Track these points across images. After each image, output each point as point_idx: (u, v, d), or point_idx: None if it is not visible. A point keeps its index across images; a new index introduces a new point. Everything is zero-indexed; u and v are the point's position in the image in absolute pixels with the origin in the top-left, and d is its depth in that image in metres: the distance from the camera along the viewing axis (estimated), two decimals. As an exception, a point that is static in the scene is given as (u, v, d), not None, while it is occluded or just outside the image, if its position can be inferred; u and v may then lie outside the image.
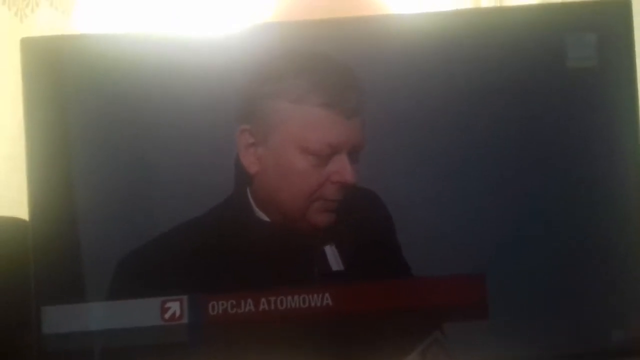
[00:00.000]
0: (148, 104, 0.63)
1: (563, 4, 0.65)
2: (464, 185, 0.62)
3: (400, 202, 0.62)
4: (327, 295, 0.62)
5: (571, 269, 0.63)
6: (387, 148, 0.62)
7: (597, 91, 0.63)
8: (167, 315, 0.62)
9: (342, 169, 0.61)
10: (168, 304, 0.62)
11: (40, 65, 0.62)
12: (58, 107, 0.63)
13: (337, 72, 0.62)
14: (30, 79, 0.62)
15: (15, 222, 0.68)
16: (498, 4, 0.89)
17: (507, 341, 0.62)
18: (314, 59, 0.62)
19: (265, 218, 0.63)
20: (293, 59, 0.62)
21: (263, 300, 0.61)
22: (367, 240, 0.63)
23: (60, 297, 0.62)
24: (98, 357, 0.62)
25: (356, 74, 0.62)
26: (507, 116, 0.63)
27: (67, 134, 0.63)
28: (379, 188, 0.62)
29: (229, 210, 0.62)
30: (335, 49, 0.62)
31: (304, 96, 0.61)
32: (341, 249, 0.62)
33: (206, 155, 0.62)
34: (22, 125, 0.62)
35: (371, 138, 0.62)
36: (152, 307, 0.61)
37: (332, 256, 0.62)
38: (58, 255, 0.62)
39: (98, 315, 0.62)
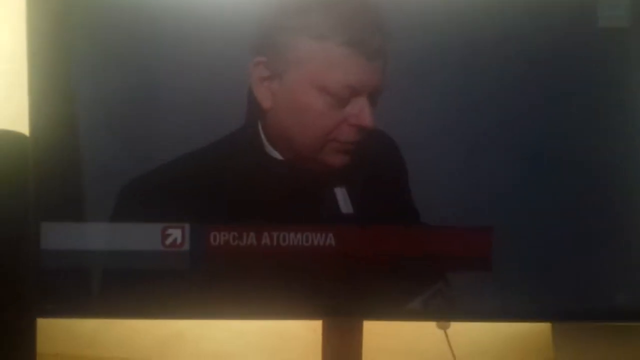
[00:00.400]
0: (159, 24, 0.61)
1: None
2: (480, 138, 0.62)
3: (416, 148, 0.61)
4: (330, 235, 0.62)
5: (578, 231, 0.63)
6: (407, 93, 0.61)
7: (629, 51, 0.62)
8: (167, 242, 0.62)
9: (361, 112, 0.60)
10: (169, 231, 0.62)
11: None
12: (63, 22, 0.61)
13: (364, 11, 0.60)
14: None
15: (15, 136, 0.67)
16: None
17: (511, 295, 0.64)
18: (340, -5, 0.60)
19: (277, 155, 0.63)
20: (318, -6, 0.60)
21: (265, 234, 0.62)
22: (379, 184, 0.63)
23: (60, 213, 0.62)
24: (95, 277, 0.63)
25: (382, 15, 0.60)
26: (534, 73, 0.62)
27: (71, 50, 0.61)
28: (395, 133, 0.61)
29: (239, 143, 0.61)
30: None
31: (327, 33, 0.59)
32: (352, 192, 0.62)
33: (217, 84, 0.61)
34: (22, 41, 0.60)
35: (392, 82, 0.61)
36: (153, 232, 0.62)
37: (342, 198, 0.62)
38: (60, 171, 0.62)
39: (98, 236, 0.62)
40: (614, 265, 0.64)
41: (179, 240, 0.62)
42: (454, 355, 0.79)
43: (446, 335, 0.78)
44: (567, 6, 0.62)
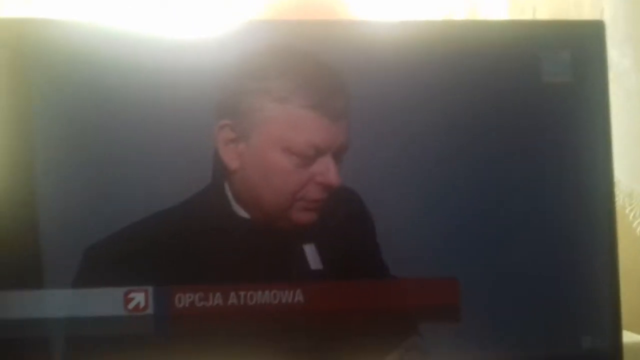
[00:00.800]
0: (123, 91, 0.62)
1: (539, 22, 0.69)
2: (443, 190, 0.65)
3: (381, 203, 0.63)
4: (299, 291, 0.62)
5: (543, 276, 0.65)
6: (370, 149, 0.64)
7: (571, 105, 0.66)
8: (130, 306, 0.60)
9: (327, 170, 0.62)
10: (132, 294, 0.60)
11: (6, 49, 0.60)
12: (25, 92, 0.61)
13: (325, 73, 0.63)
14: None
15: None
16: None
17: (480, 343, 0.65)
18: (301, 58, 0.63)
19: (244, 214, 0.63)
20: (280, 57, 0.62)
21: (232, 294, 0.61)
22: (347, 240, 0.64)
23: (16, 281, 0.60)
24: (56, 346, 0.60)
25: (343, 76, 0.63)
26: (484, 126, 0.66)
27: (31, 108, 0.61)
28: (361, 188, 0.63)
29: (205, 203, 0.62)
30: (323, 50, 0.63)
31: (290, 96, 0.61)
32: (321, 248, 0.63)
33: (182, 147, 0.62)
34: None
35: (355, 139, 0.63)
36: (115, 297, 0.60)
37: (312, 254, 0.63)
38: (15, 236, 0.60)
39: (57, 303, 0.60)
40: (581, 314, 0.66)
41: (142, 304, 0.61)
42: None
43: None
44: (512, 62, 0.66)
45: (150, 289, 0.61)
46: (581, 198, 0.66)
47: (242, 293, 0.61)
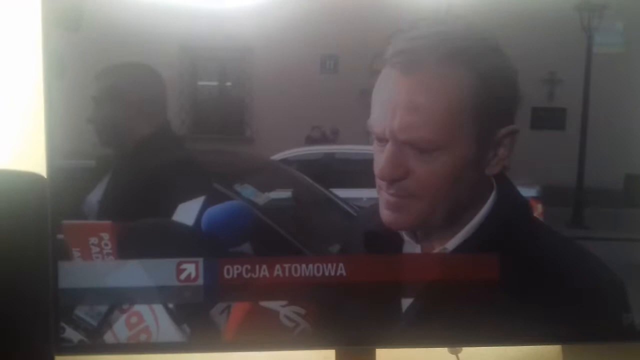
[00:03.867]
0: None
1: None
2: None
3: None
4: (341, 265, 0.64)
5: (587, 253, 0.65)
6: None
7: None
8: (182, 276, 0.63)
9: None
10: (184, 266, 0.63)
11: (61, 20, 0.62)
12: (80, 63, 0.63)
13: None
14: (50, 35, 0.62)
15: (33, 177, 0.68)
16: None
17: (521, 319, 0.65)
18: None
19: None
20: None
21: (277, 266, 0.63)
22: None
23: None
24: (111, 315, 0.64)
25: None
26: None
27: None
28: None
29: None
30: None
31: None
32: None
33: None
34: (39, 83, 0.62)
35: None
36: (168, 268, 0.63)
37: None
38: (76, 211, 0.63)
39: (114, 273, 0.63)
40: (622, 285, 0.65)
41: (193, 275, 0.63)
42: (465, 380, 0.80)
43: (457, 360, 0.79)
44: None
45: (200, 260, 0.63)
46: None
47: (286, 265, 0.63)
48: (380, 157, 0.61)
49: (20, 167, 0.69)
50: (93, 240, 0.63)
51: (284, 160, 0.63)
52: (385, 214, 0.62)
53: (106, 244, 0.63)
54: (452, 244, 0.63)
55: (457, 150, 0.60)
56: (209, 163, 0.64)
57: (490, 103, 0.60)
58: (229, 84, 0.64)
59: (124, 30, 0.62)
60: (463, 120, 0.59)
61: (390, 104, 0.60)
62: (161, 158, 0.64)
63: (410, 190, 0.60)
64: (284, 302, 0.64)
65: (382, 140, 0.60)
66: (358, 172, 0.64)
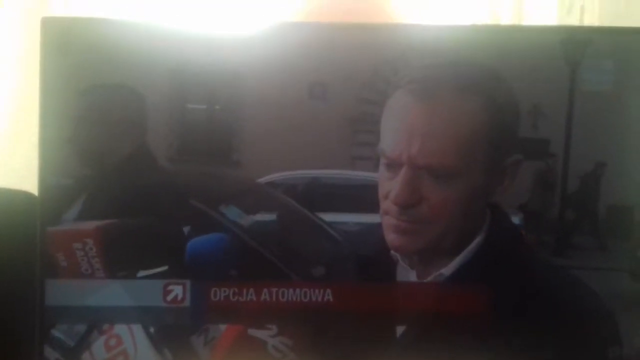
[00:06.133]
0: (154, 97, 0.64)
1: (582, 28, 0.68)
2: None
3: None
4: (328, 291, 0.64)
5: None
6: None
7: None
8: (169, 298, 0.63)
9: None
10: (171, 287, 0.63)
11: (59, 44, 0.63)
12: (76, 80, 0.64)
13: None
14: (49, 58, 0.63)
15: (24, 195, 0.69)
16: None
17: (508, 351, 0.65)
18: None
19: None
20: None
21: (265, 290, 0.63)
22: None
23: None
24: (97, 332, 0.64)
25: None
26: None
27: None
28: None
29: None
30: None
31: None
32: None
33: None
34: (32, 97, 0.63)
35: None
36: (155, 289, 0.63)
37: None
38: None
39: (101, 292, 0.63)
40: (612, 316, 0.64)
41: (180, 297, 0.63)
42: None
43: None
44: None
45: (188, 282, 0.63)
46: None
47: (274, 290, 0.63)
48: (390, 184, 0.61)
49: (12, 186, 0.70)
50: (77, 245, 0.63)
51: (270, 184, 0.64)
52: (393, 238, 0.62)
53: (90, 248, 0.63)
54: (449, 269, 0.64)
55: (470, 178, 0.61)
56: (193, 185, 0.65)
57: (501, 132, 0.61)
58: (217, 107, 0.65)
59: (114, 52, 0.63)
60: (479, 148, 0.61)
61: (407, 129, 0.61)
62: (141, 179, 0.64)
63: (423, 216, 0.61)
64: (272, 332, 0.64)
65: (396, 165, 0.61)
66: (344, 196, 0.65)
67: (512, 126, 0.63)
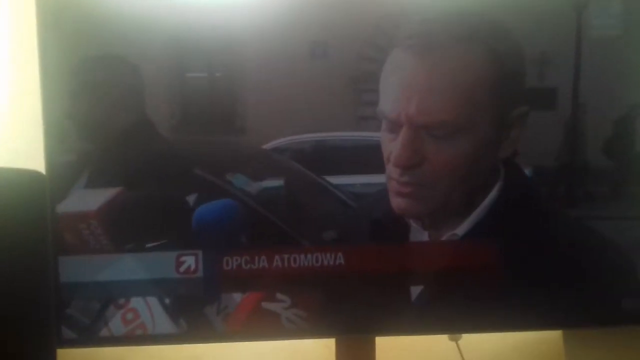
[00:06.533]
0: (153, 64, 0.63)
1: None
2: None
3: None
4: (340, 255, 0.64)
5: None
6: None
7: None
8: (182, 269, 0.63)
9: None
10: (183, 258, 0.63)
11: (55, 16, 0.62)
12: (77, 56, 0.63)
13: None
14: (45, 31, 0.62)
15: (32, 175, 0.69)
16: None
17: (520, 305, 0.65)
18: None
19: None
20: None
21: (276, 257, 0.63)
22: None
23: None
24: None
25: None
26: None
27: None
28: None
29: None
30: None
31: None
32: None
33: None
34: (34, 78, 0.63)
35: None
36: (168, 260, 0.63)
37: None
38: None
39: (114, 266, 0.64)
40: (621, 270, 0.65)
41: (192, 267, 0.63)
42: (467, 367, 0.80)
43: (458, 347, 0.79)
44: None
45: (199, 252, 0.63)
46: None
47: (285, 256, 0.63)
48: (392, 145, 0.60)
49: (19, 165, 0.70)
50: (82, 225, 0.63)
51: (276, 149, 0.63)
52: (398, 202, 0.62)
53: (96, 228, 0.63)
54: (462, 229, 0.63)
55: (474, 133, 0.59)
56: (198, 154, 0.64)
57: (506, 83, 0.60)
58: (218, 74, 0.64)
59: (111, 23, 0.62)
60: (481, 101, 0.59)
61: (405, 88, 0.59)
62: (145, 151, 0.64)
63: (425, 177, 0.60)
64: (286, 305, 0.64)
65: (396, 126, 0.60)
66: (350, 158, 0.64)
67: (517, 75, 0.61)
